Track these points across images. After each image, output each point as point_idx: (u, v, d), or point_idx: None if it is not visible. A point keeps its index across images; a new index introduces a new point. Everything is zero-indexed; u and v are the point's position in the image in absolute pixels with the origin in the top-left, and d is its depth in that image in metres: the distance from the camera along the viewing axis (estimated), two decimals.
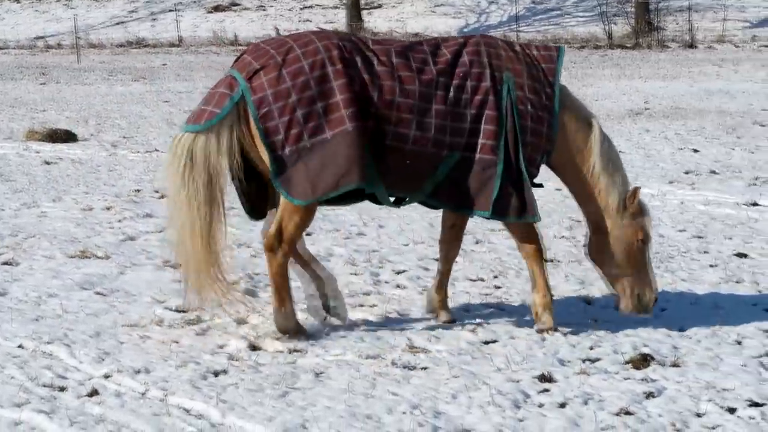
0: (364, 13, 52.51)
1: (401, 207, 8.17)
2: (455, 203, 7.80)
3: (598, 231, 8.04)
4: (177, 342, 7.80)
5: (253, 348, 7.69)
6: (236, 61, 7.81)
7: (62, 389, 6.92)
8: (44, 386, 6.97)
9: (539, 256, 7.97)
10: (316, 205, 7.68)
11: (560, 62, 8.01)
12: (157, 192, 13.59)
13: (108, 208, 12.66)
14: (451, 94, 7.72)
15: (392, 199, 7.91)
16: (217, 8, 56.86)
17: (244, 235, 11.06)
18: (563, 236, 10.94)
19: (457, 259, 8.64)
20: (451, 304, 8.44)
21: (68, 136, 18.69)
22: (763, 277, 9.64)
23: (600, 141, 8.01)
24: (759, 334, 7.97)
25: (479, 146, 7.71)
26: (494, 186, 7.68)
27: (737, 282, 9.54)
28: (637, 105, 22.97)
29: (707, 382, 7.02)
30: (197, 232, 7.61)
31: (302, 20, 53.67)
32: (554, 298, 8.12)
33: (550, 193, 12.08)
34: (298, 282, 8.18)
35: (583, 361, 7.43)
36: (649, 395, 6.83)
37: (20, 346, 7.69)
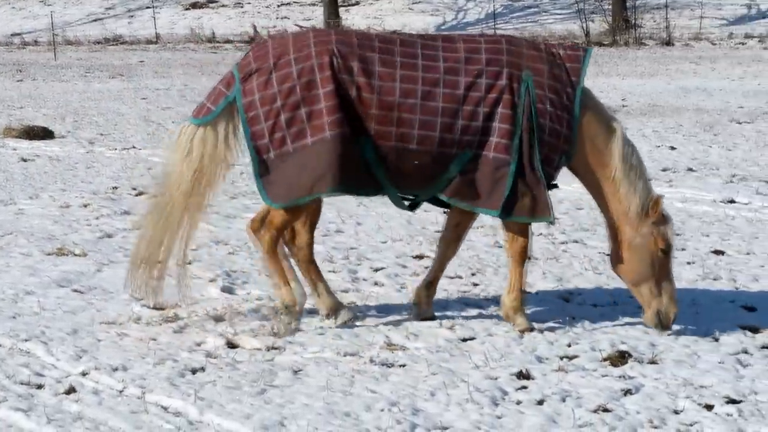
0: (341, 10, 52.40)
1: (415, 211, 8.23)
2: (468, 201, 7.76)
3: (619, 238, 7.90)
4: (155, 339, 7.78)
5: (231, 345, 7.68)
6: (244, 57, 7.90)
7: (39, 387, 6.90)
8: (21, 384, 6.94)
9: (522, 259, 7.90)
10: (301, 207, 7.73)
11: (586, 63, 7.88)
12: (134, 189, 13.55)
13: (85, 206, 12.61)
14: (461, 92, 7.64)
15: (407, 203, 7.95)
16: (194, 5, 56.68)
17: (221, 233, 11.06)
18: (541, 233, 10.94)
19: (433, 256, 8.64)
20: None
21: (45, 134, 18.60)
22: (740, 275, 9.67)
23: (622, 145, 7.84)
24: (736, 331, 7.99)
25: (492, 145, 7.65)
26: (506, 185, 7.61)
27: (714, 279, 9.56)
28: (614, 102, 23.00)
29: (685, 379, 7.04)
30: (170, 220, 7.84)
31: (280, 17, 53.50)
32: (533, 294, 8.11)
33: None
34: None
35: (561, 358, 7.44)
36: (627, 392, 6.85)
37: None
